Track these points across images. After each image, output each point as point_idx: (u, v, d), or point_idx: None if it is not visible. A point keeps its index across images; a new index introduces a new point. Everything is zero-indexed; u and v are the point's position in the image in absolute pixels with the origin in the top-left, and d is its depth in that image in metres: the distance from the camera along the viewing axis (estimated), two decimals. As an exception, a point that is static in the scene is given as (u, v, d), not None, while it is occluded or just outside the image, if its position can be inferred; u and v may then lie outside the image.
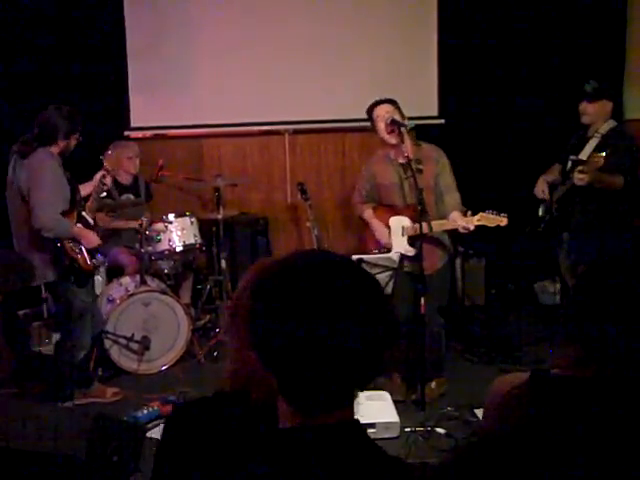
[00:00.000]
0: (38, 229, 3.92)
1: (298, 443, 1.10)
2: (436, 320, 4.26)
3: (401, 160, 4.14)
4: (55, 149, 4.03)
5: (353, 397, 1.14)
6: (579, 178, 4.26)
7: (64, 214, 4.02)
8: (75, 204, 4.13)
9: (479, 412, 3.96)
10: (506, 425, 1.54)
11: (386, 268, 3.96)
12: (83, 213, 4.16)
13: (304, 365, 1.07)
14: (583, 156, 4.50)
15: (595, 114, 4.49)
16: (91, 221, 4.20)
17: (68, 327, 4.17)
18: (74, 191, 4.16)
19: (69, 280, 4.06)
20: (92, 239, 4.12)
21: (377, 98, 4.27)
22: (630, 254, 1.48)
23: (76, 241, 4.05)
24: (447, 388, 4.35)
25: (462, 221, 4.02)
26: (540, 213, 4.84)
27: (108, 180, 4.29)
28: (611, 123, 4.50)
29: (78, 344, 4.18)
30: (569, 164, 4.61)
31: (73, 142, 4.09)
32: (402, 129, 4.11)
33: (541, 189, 4.73)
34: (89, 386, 4.34)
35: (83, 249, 4.08)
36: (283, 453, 1.10)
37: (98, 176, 4.27)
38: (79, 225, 4.10)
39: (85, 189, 4.31)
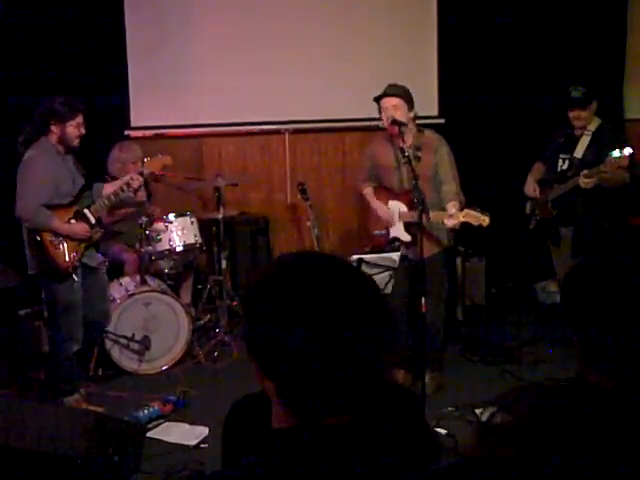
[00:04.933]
0: (17, 217, 3.93)
1: (292, 443, 1.08)
2: (433, 310, 4.22)
3: (401, 145, 4.14)
4: (52, 137, 3.99)
5: (356, 404, 1.10)
6: (585, 182, 4.31)
7: (57, 207, 3.98)
8: (76, 200, 4.08)
9: (480, 412, 3.96)
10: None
11: (386, 268, 3.96)
12: (85, 210, 4.10)
13: (305, 371, 1.05)
14: (577, 154, 4.59)
15: (588, 117, 4.58)
16: (92, 220, 4.12)
17: (54, 321, 4.11)
18: (84, 188, 4.12)
19: (48, 274, 4.02)
20: (78, 230, 4.03)
21: (388, 85, 4.25)
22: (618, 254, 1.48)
23: (59, 236, 3.98)
24: (440, 386, 4.34)
25: (448, 219, 4.01)
26: (527, 210, 4.94)
27: (136, 183, 4.21)
28: (597, 120, 4.60)
29: (69, 337, 4.09)
30: (562, 163, 4.69)
31: (70, 129, 3.98)
32: (402, 128, 4.12)
33: (532, 187, 4.84)
34: (70, 394, 4.20)
35: (65, 246, 3.99)
36: (276, 453, 1.08)
37: (127, 177, 4.22)
38: (72, 221, 4.05)
39: (111, 187, 4.25)
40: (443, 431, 3.78)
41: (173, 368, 4.79)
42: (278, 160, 6.19)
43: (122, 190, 4.18)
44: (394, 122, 4.10)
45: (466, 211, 3.97)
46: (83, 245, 4.09)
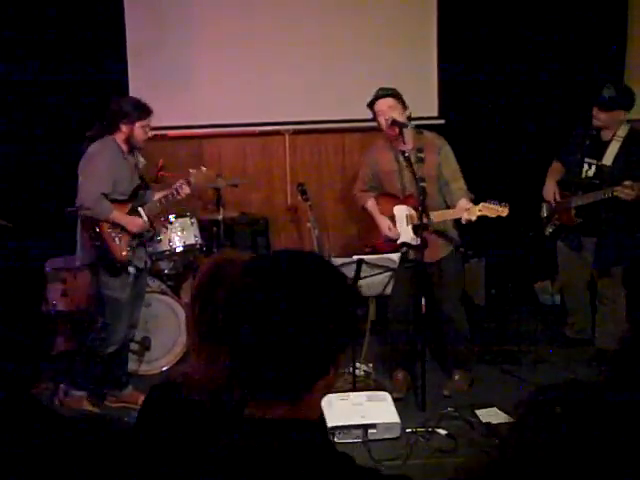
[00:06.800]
0: (79, 206, 4.00)
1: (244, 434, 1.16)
2: (456, 308, 4.28)
3: (402, 148, 4.14)
4: (120, 136, 4.08)
5: (301, 393, 1.17)
6: (627, 194, 4.07)
7: (114, 202, 4.06)
8: (131, 197, 4.16)
9: (480, 412, 3.96)
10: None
11: (386, 269, 3.96)
12: (139, 209, 4.19)
13: (266, 358, 1.13)
14: (607, 161, 4.38)
15: (608, 122, 4.37)
16: (145, 218, 4.21)
17: (102, 318, 4.14)
18: (139, 186, 4.20)
19: (104, 266, 4.08)
20: (136, 223, 4.13)
21: (378, 89, 4.26)
22: None
23: (117, 229, 4.07)
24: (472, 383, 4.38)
25: (465, 213, 4.01)
26: (544, 214, 4.76)
27: (185, 191, 4.28)
28: (626, 126, 4.39)
29: (108, 337, 4.14)
30: (588, 167, 4.47)
31: (138, 131, 4.08)
32: (402, 129, 4.12)
33: (552, 192, 4.64)
34: (122, 389, 4.32)
35: (121, 239, 4.08)
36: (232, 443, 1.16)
37: (177, 184, 4.30)
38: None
39: (159, 194, 4.36)
40: (443, 432, 3.79)
41: (173, 369, 4.79)
42: (278, 161, 6.18)
43: (172, 195, 4.29)
44: (394, 123, 4.10)
45: (482, 204, 3.99)
46: (135, 241, 4.17)
